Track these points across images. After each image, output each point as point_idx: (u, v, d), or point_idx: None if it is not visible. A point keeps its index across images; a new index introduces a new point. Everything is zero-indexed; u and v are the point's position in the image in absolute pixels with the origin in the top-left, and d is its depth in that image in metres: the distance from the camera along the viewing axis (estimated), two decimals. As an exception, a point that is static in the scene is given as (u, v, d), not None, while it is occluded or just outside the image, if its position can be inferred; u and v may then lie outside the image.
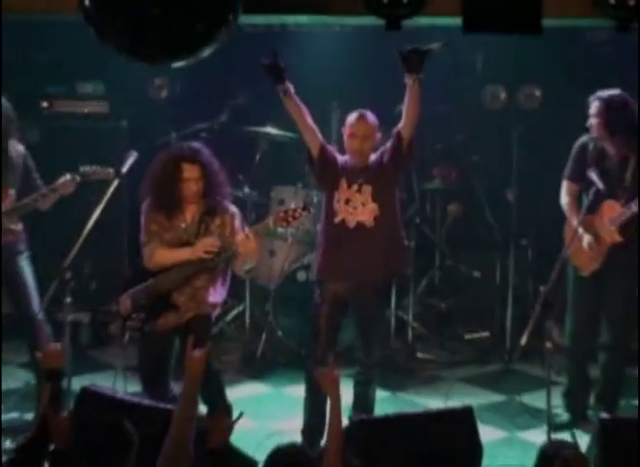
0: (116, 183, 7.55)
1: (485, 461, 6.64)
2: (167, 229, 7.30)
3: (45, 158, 8.26)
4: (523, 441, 7.81)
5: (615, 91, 7.57)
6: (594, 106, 7.55)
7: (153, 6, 4.96)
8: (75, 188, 7.72)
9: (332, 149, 7.46)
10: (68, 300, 7.59)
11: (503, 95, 9.37)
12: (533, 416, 8.08)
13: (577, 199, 7.75)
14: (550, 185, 8.00)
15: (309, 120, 7.32)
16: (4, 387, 8.46)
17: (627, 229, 7.52)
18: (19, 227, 7.89)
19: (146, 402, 7.03)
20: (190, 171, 7.17)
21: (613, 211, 7.55)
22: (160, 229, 7.29)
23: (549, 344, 7.48)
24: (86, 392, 7.16)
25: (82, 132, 9.19)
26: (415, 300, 9.38)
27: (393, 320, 9.15)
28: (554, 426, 7.52)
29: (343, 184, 7.32)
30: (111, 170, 7.61)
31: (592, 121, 7.57)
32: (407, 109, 7.16)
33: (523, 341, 7.35)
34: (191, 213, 7.31)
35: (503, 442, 7.78)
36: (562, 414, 7.99)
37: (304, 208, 7.33)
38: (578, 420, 7.83)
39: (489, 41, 8.35)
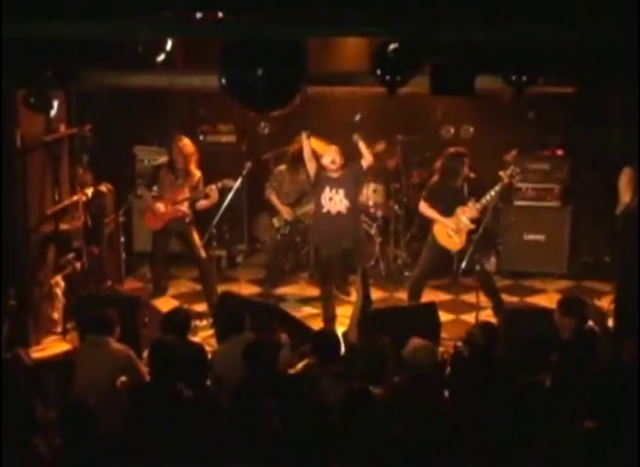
0: (239, 181, 7.57)
1: (442, 333, 6.64)
2: None
3: (201, 167, 8.09)
4: (464, 321, 7.67)
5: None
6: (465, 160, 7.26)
7: (259, 82, 4.90)
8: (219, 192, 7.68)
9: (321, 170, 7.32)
10: (214, 243, 7.63)
11: (452, 130, 9.18)
12: (469, 307, 7.86)
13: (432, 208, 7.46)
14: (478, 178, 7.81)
15: (311, 155, 7.25)
16: (179, 291, 8.50)
17: (476, 221, 7.27)
18: (187, 208, 7.77)
19: (258, 300, 7.13)
20: None
21: (464, 211, 7.27)
22: None
23: (477, 267, 7.42)
24: (224, 294, 7.27)
25: (220, 152, 9.03)
26: (404, 244, 9.18)
27: (391, 254, 8.95)
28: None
29: (327, 189, 7.24)
30: (237, 183, 7.55)
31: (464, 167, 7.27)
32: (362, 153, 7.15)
33: (463, 265, 7.28)
34: None
35: (452, 322, 7.67)
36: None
37: None
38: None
39: (446, 98, 8.13)
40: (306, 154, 7.22)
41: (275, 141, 9.28)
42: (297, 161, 8.04)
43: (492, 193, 7.18)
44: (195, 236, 7.77)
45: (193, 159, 7.78)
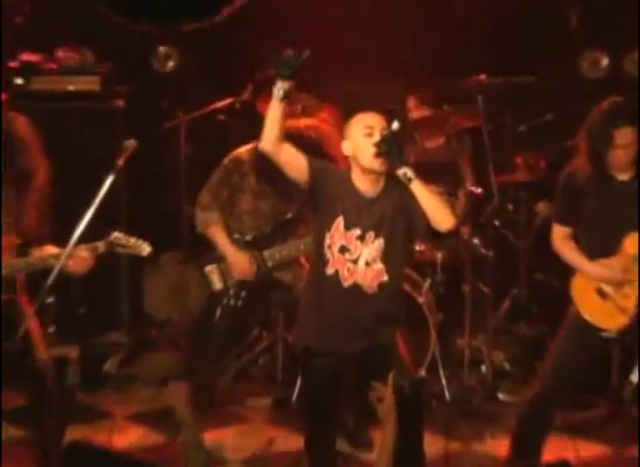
0: (110, 179, 7.44)
1: None
2: None
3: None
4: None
5: None
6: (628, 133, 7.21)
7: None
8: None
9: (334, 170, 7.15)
10: (51, 329, 7.48)
11: (605, 62, 9.18)
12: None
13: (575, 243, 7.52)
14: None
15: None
16: None
17: None
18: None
19: (141, 458, 7.26)
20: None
21: (636, 242, 7.25)
22: None
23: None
24: (73, 447, 7.10)
25: (66, 115, 9.13)
26: (495, 326, 9.21)
27: (467, 353, 9.04)
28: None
29: (339, 222, 6.99)
30: (148, 247, 7.46)
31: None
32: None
33: (635, 377, 7.28)
34: None
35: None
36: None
37: None
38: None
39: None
40: (269, 128, 6.70)
41: (194, 89, 9.40)
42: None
43: None
44: (33, 320, 7.47)
45: (37, 156, 7.56)
